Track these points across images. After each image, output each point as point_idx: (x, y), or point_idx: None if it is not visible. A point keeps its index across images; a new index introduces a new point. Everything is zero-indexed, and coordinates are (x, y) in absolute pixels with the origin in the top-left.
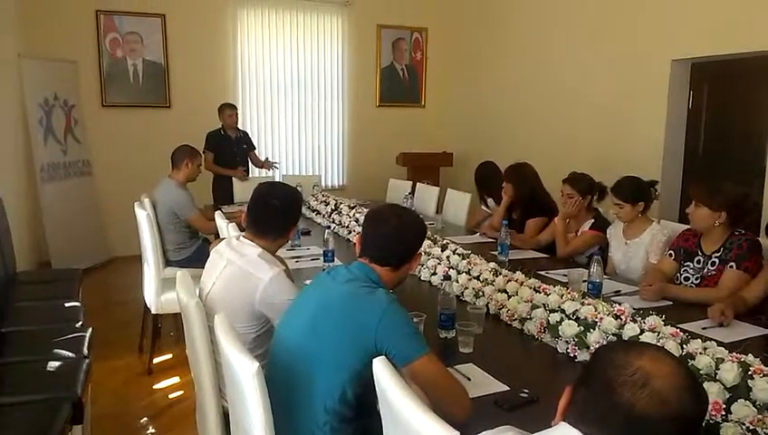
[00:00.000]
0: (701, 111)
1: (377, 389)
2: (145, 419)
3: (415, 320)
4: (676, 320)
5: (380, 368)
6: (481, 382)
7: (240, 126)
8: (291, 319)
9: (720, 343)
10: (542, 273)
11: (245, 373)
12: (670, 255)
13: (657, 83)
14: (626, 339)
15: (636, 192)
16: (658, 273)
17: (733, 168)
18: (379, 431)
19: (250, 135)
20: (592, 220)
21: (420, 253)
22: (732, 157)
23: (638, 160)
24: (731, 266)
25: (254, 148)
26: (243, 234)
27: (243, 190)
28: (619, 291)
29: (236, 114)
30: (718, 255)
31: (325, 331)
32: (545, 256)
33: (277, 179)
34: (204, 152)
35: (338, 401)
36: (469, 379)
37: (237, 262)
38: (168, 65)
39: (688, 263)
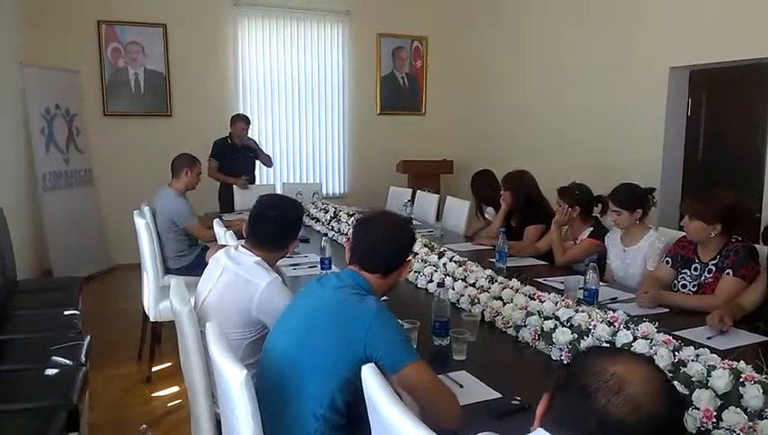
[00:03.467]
0: (700, 118)
1: (365, 396)
2: (143, 426)
3: (409, 327)
4: (673, 327)
5: (368, 375)
6: (473, 390)
7: None
8: (281, 326)
9: (715, 350)
10: (540, 280)
11: (234, 380)
12: (667, 262)
13: (655, 91)
14: (618, 346)
15: (633, 199)
16: (655, 280)
17: (732, 174)
18: None
19: (257, 141)
20: (591, 229)
21: (410, 260)
22: (731, 163)
23: (637, 167)
24: (727, 274)
25: (261, 151)
26: (242, 243)
27: (243, 199)
28: (616, 298)
29: (248, 128)
30: (715, 262)
31: (315, 338)
32: (544, 263)
33: (277, 189)
34: (209, 160)
35: (328, 408)
36: (461, 386)
37: (234, 269)
38: (170, 74)
39: (685, 270)
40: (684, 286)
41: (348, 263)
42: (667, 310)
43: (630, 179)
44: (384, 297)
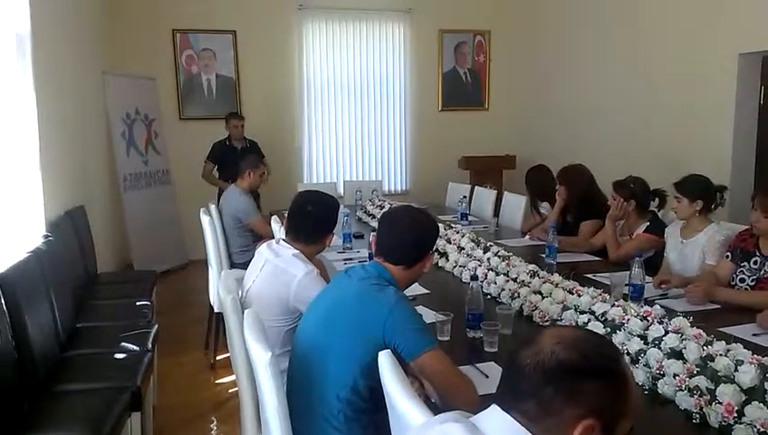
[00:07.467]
0: None
1: (381, 380)
2: (205, 410)
3: (443, 319)
4: (722, 323)
5: (383, 360)
6: (498, 380)
7: (305, 133)
8: (310, 314)
9: (759, 348)
10: (590, 276)
11: (260, 361)
12: (727, 256)
13: (724, 79)
14: (650, 341)
15: (697, 189)
16: (711, 275)
17: None
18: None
19: (260, 145)
20: (647, 223)
21: (433, 252)
22: None
23: (705, 161)
24: None
25: (263, 157)
26: (283, 238)
27: None
28: (666, 294)
29: (242, 125)
30: None
31: (337, 325)
32: (597, 258)
33: (339, 187)
34: (204, 162)
35: (350, 392)
36: (487, 376)
37: (274, 261)
38: (239, 79)
39: (744, 263)
40: (742, 281)
41: (374, 255)
42: (719, 306)
43: (698, 173)
44: (426, 290)
